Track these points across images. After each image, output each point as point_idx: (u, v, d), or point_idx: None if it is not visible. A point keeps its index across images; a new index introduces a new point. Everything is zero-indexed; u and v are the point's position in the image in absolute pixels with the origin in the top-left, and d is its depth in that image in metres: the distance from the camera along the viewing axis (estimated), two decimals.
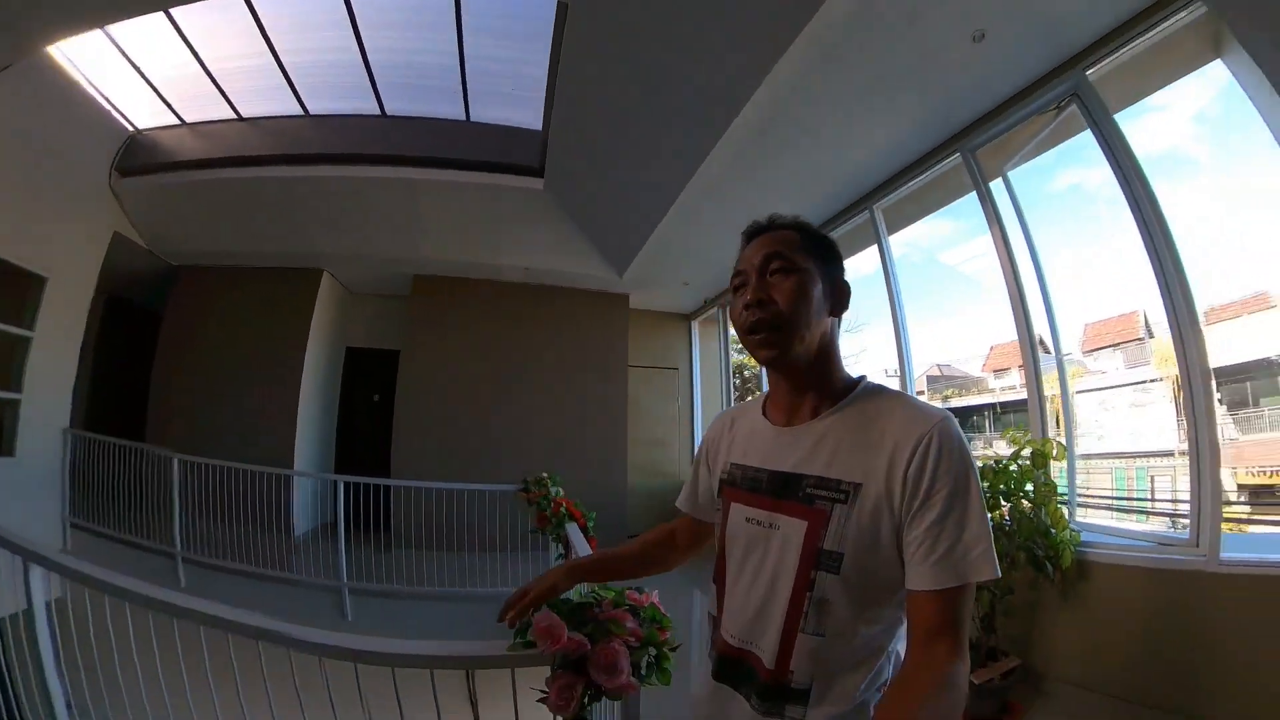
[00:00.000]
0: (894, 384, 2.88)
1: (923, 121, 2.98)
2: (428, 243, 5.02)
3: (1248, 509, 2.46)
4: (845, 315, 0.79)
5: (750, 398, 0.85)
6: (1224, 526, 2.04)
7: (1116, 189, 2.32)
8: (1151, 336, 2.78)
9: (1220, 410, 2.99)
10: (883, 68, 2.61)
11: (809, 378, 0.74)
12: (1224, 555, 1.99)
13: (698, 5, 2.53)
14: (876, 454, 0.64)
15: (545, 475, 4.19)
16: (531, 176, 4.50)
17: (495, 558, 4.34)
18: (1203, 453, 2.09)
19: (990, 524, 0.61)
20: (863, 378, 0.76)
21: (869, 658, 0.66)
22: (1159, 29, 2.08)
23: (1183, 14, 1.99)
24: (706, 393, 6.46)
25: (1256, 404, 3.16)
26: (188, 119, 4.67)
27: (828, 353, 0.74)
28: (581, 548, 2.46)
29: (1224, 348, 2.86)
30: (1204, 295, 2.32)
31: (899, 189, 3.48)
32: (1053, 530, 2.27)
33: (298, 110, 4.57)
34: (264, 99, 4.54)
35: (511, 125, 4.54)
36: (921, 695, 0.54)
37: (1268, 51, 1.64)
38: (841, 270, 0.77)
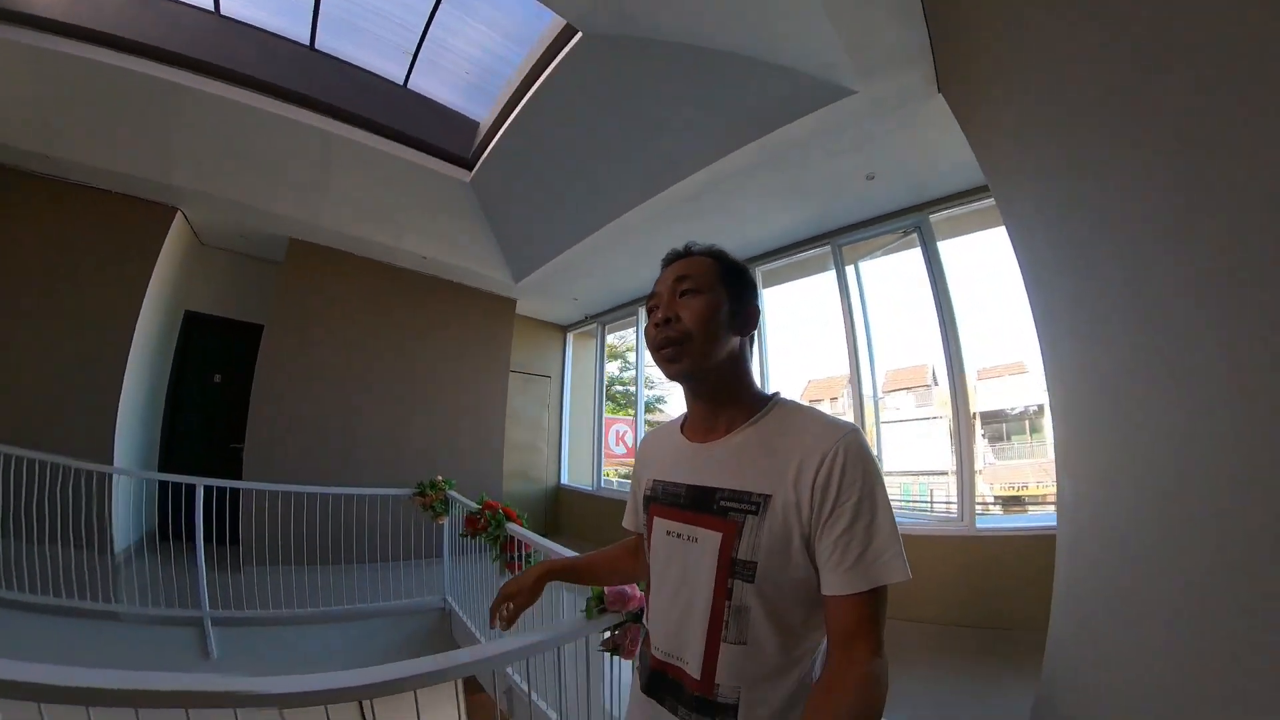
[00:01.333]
0: None
1: (814, 220, 3.87)
2: (325, 206, 4.16)
3: (1000, 510, 3.76)
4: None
5: (674, 417, 0.90)
6: (976, 509, 3.14)
7: (927, 285, 3.39)
8: (936, 384, 4.02)
9: (983, 442, 4.53)
10: (801, 181, 3.39)
11: (721, 395, 0.76)
12: (978, 525, 3.04)
13: (690, 87, 2.93)
14: (785, 466, 0.66)
15: (440, 478, 3.93)
16: (459, 167, 4.18)
17: (385, 569, 3.92)
18: (965, 467, 3.17)
19: (898, 529, 0.63)
20: (776, 394, 0.78)
21: (791, 666, 0.66)
22: (978, 202, 3.17)
23: (989, 198, 3.08)
24: (576, 403, 6.57)
25: (1009, 439, 4.42)
26: None
27: (738, 371, 0.76)
28: (539, 544, 2.43)
29: (990, 398, 4.17)
30: (977, 360, 3.47)
31: (779, 260, 4.33)
32: None
33: (206, 3, 3.57)
34: None
35: (449, 106, 4.15)
36: (845, 695, 0.56)
37: (1019, 231, 2.58)
38: (753, 295, 0.80)
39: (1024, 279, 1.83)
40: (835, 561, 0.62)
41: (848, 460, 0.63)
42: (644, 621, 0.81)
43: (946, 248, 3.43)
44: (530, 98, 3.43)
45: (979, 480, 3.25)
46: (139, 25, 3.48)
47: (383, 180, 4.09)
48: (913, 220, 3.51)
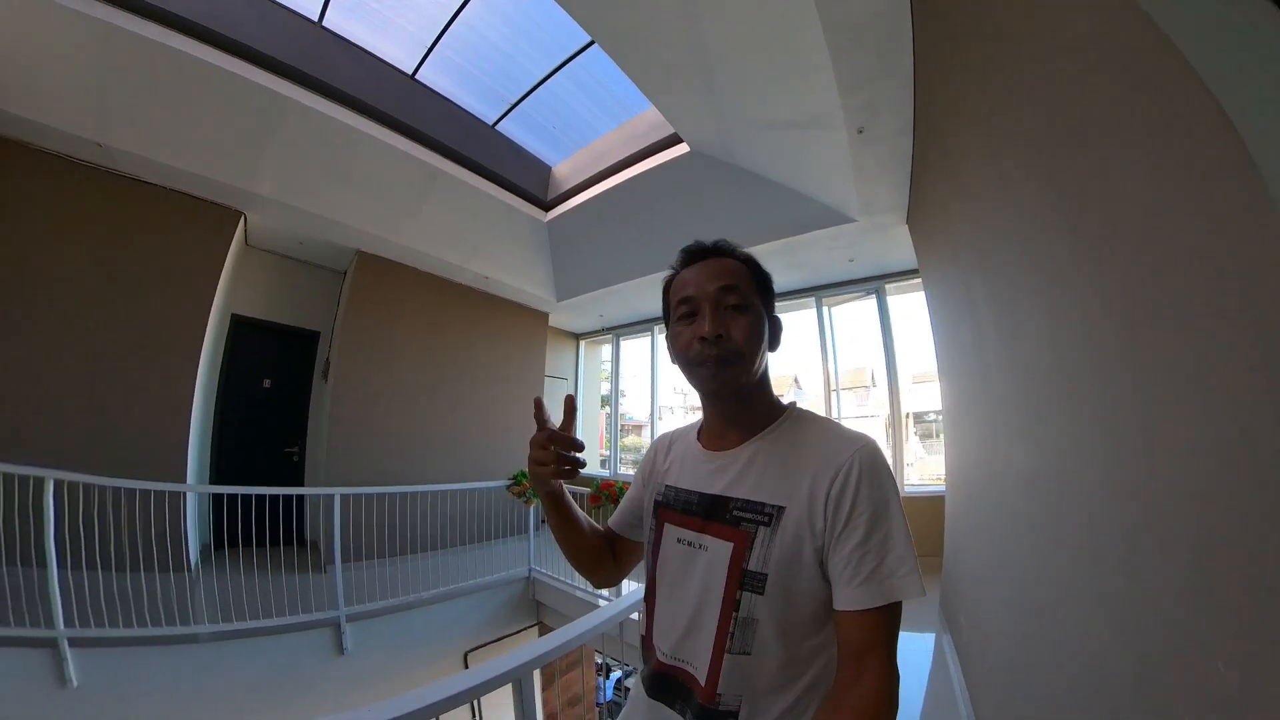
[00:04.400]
0: None
1: (805, 280, 4.93)
2: (410, 227, 4.09)
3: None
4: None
5: (688, 423, 0.82)
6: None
7: (877, 319, 4.57)
8: (875, 386, 4.98)
9: (915, 438, 5.41)
10: (803, 260, 4.37)
11: (743, 406, 0.68)
12: (905, 489, 4.26)
13: (744, 197, 3.71)
14: (800, 478, 0.60)
15: (524, 471, 4.29)
16: (536, 206, 4.36)
17: (465, 551, 4.18)
18: (899, 456, 4.31)
19: (914, 545, 0.57)
20: (792, 404, 0.71)
21: (795, 679, 0.59)
22: (913, 279, 4.27)
23: (918, 278, 4.16)
24: (586, 403, 6.83)
25: (938, 436, 4.94)
26: None
27: (762, 383, 0.69)
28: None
29: (923, 399, 4.95)
30: (912, 367, 4.54)
31: (777, 302, 5.20)
32: None
33: (309, 15, 3.38)
34: None
35: (527, 149, 4.28)
36: (854, 711, 0.50)
37: (932, 297, 3.12)
38: (774, 307, 0.72)
39: (931, 324, 2.95)
40: (849, 576, 0.55)
41: (863, 474, 0.58)
42: (642, 624, 0.74)
43: (893, 301, 4.65)
44: (627, 179, 3.79)
45: (910, 471, 4.34)
46: (247, 28, 3.22)
47: (470, 210, 4.15)
48: (874, 285, 4.58)
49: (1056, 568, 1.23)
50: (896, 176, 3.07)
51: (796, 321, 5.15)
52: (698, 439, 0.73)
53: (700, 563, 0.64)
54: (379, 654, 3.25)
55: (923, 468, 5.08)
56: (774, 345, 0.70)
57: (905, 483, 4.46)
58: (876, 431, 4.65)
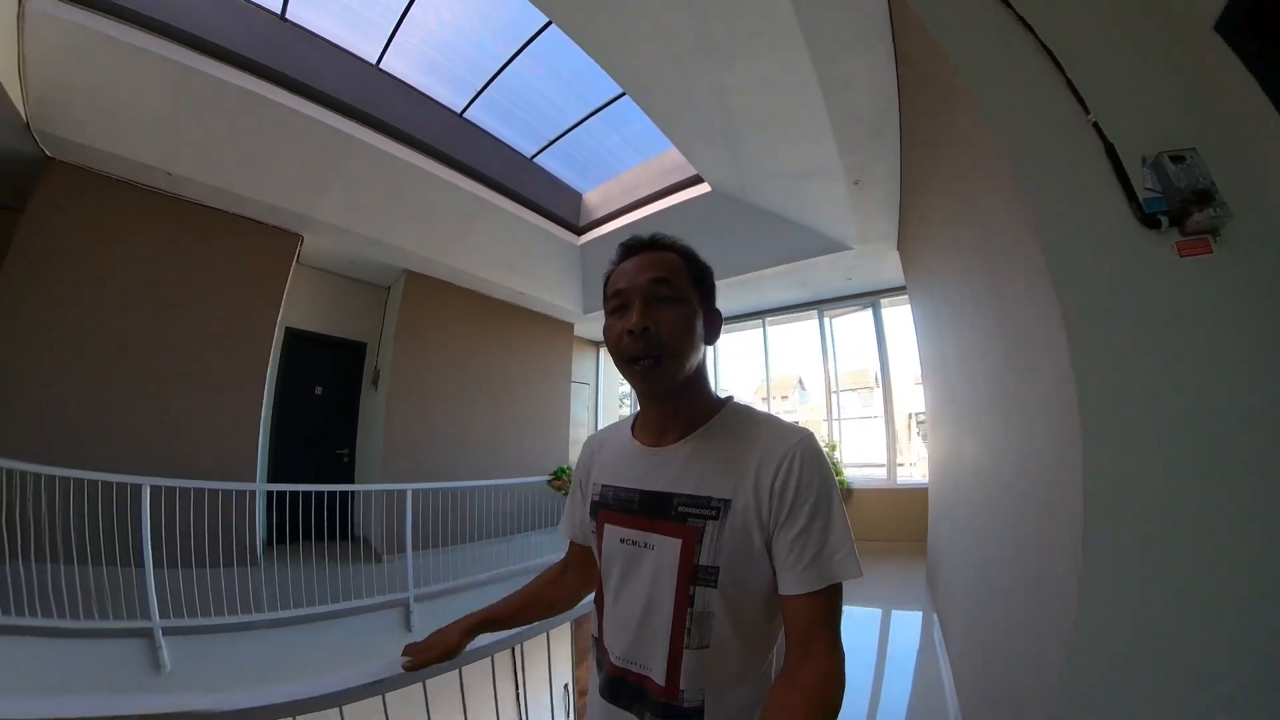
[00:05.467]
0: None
1: (808, 296, 5.33)
2: (460, 253, 4.37)
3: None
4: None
5: (618, 420, 0.76)
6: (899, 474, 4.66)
7: (871, 328, 4.93)
8: (878, 386, 5.14)
9: (918, 438, 5.89)
10: (806, 279, 4.79)
11: (680, 401, 0.65)
12: (898, 483, 4.59)
13: (756, 227, 4.08)
14: (744, 470, 0.59)
15: (567, 465, 4.46)
16: (569, 230, 4.57)
17: (522, 538, 4.48)
18: (891, 452, 4.67)
19: (850, 529, 0.58)
20: (730, 398, 0.68)
21: (755, 665, 0.60)
22: (903, 294, 4.59)
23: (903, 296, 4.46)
24: (606, 405, 7.26)
25: None
26: None
27: (699, 378, 0.66)
28: None
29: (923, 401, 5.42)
30: (913, 371, 4.85)
31: (783, 315, 5.59)
32: (839, 476, 4.68)
33: (368, 58, 3.54)
34: (321, 10, 3.29)
35: (560, 178, 4.49)
36: (804, 691, 0.50)
37: (918, 310, 3.46)
38: (714, 299, 0.69)
39: (916, 335, 3.38)
40: (792, 562, 0.55)
41: (804, 463, 0.58)
42: (595, 628, 0.70)
43: (888, 314, 5.07)
44: (655, 212, 4.15)
45: (914, 471, 4.64)
46: (316, 72, 3.41)
47: (511, 235, 4.42)
48: (870, 300, 4.89)
49: (994, 539, 1.65)
50: (887, 213, 3.43)
51: (801, 331, 5.43)
52: (633, 435, 0.69)
53: (647, 562, 0.61)
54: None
55: (925, 466, 5.41)
56: (710, 339, 0.67)
57: (905, 479, 4.75)
58: (878, 430, 4.93)
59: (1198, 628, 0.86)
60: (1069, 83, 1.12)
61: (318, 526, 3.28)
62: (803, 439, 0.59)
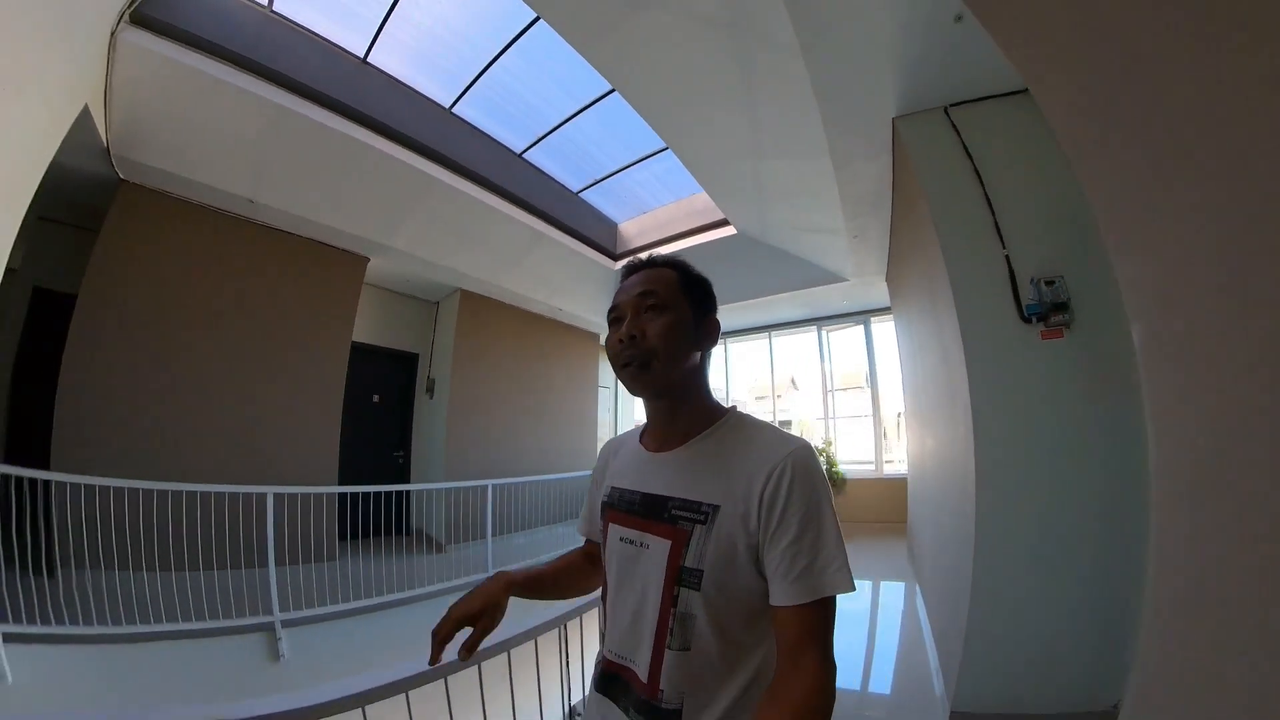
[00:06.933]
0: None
1: (809, 313, 5.90)
2: (514, 276, 4.67)
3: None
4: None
5: (634, 425, 0.77)
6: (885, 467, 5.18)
7: (861, 339, 5.48)
8: (868, 386, 5.58)
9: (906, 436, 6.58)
10: (808, 301, 5.31)
11: (679, 407, 0.65)
12: (884, 473, 5.13)
13: (768, 262, 4.58)
14: (735, 479, 0.58)
15: None
16: (605, 256, 4.83)
17: (562, 526, 4.88)
18: (879, 447, 5.20)
19: (844, 543, 0.55)
20: (732, 407, 0.68)
21: (735, 672, 0.57)
22: (889, 314, 5.12)
23: (890, 315, 4.98)
24: (623, 408, 7.64)
25: None
26: (280, 8, 3.04)
27: (696, 384, 0.66)
28: None
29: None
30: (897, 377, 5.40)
31: (785, 330, 6.08)
32: (833, 468, 5.21)
33: (437, 99, 3.68)
34: (400, 57, 3.37)
35: (599, 210, 4.80)
36: (792, 704, 0.48)
37: (901, 326, 4.15)
38: (713, 307, 0.69)
39: (899, 351, 4.04)
40: (782, 573, 0.53)
41: (795, 475, 0.55)
42: (601, 621, 0.70)
43: (876, 329, 5.68)
44: (686, 247, 4.64)
45: (901, 466, 5.22)
46: (398, 114, 3.55)
47: (559, 261, 4.67)
48: (862, 318, 5.42)
49: (946, 511, 2.25)
50: (878, 256, 4.14)
51: (801, 343, 5.92)
52: (640, 441, 0.71)
53: (642, 560, 0.61)
54: (514, 605, 3.66)
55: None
56: (705, 344, 0.67)
57: (889, 470, 5.29)
58: (867, 429, 5.45)
59: (1045, 563, 1.58)
60: (996, 226, 1.78)
61: (381, 524, 3.45)
62: (795, 450, 0.57)
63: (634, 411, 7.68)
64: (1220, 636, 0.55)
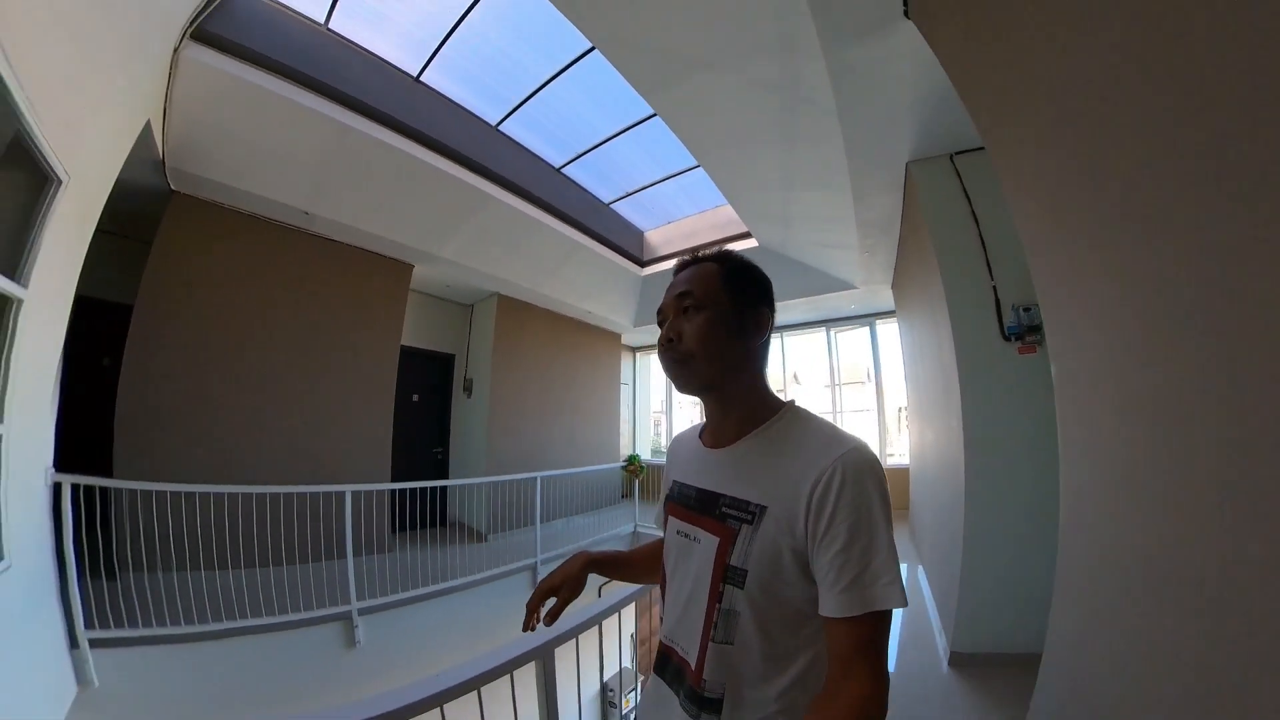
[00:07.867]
0: None
1: (818, 316, 6.17)
2: (553, 283, 4.84)
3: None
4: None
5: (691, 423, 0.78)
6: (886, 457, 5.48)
7: (866, 338, 5.80)
8: (870, 381, 5.78)
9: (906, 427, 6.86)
10: (818, 306, 5.57)
11: (731, 403, 0.63)
12: (887, 465, 5.49)
13: (782, 270, 4.81)
14: (784, 480, 0.55)
15: (635, 454, 4.95)
16: (633, 263, 4.96)
17: (595, 515, 5.06)
18: (882, 440, 5.58)
19: (897, 553, 0.51)
20: (790, 402, 0.64)
21: (778, 673, 0.55)
22: (894, 317, 5.37)
23: (893, 319, 5.22)
24: (640, 402, 7.79)
25: None
26: (337, 26, 3.06)
27: (745, 379, 0.62)
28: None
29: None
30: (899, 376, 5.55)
31: (799, 330, 6.38)
32: None
33: (485, 116, 3.77)
34: (450, 76, 3.44)
35: (627, 219, 4.90)
36: (847, 703, 0.46)
37: (904, 328, 4.59)
38: (761, 297, 0.64)
39: (902, 352, 4.36)
40: (831, 582, 0.50)
41: (845, 480, 0.51)
42: (659, 608, 0.71)
43: (881, 330, 5.96)
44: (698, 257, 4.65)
45: (903, 459, 5.48)
46: (441, 126, 3.59)
47: (592, 268, 4.78)
48: (868, 320, 5.74)
49: (943, 499, 2.58)
50: (885, 268, 4.43)
51: (806, 342, 6.14)
52: (700, 437, 0.69)
53: (695, 554, 0.61)
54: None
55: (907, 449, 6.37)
56: (751, 337, 0.62)
57: (891, 462, 5.57)
58: (871, 422, 5.70)
59: (1020, 526, 1.94)
60: (986, 260, 2.13)
61: (425, 516, 3.56)
62: (847, 452, 0.53)
63: (646, 408, 7.94)
64: (1108, 590, 0.88)
